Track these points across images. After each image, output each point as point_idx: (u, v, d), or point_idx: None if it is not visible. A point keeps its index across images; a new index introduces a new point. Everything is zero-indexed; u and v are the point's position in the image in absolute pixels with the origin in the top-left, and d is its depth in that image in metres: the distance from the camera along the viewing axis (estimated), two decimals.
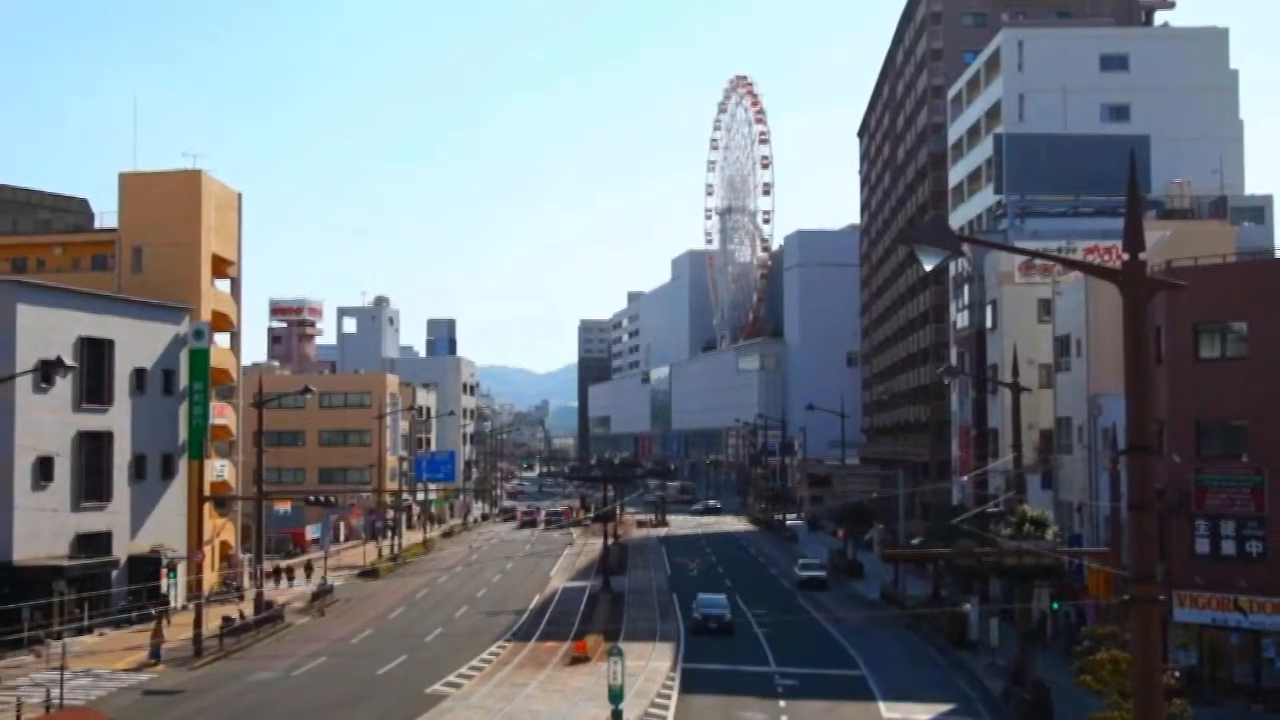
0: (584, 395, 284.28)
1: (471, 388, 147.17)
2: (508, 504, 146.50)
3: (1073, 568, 43.78)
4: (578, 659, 44.13)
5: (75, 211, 77.27)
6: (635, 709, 34.98)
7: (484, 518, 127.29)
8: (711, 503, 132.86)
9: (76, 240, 66.10)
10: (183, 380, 59.05)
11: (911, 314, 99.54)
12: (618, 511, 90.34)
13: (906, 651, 47.68)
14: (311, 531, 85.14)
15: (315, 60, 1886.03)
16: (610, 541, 69.40)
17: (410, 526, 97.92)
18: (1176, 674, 27.48)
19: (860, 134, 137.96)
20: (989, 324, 62.34)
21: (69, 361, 40.01)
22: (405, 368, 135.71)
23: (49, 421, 49.54)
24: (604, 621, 52.58)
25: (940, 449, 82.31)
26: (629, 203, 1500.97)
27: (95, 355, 52.42)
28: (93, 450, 52.30)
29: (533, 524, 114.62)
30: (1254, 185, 76.10)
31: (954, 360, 71.61)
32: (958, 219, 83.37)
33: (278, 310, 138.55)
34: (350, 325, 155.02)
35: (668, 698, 38.18)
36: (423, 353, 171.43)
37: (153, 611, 50.47)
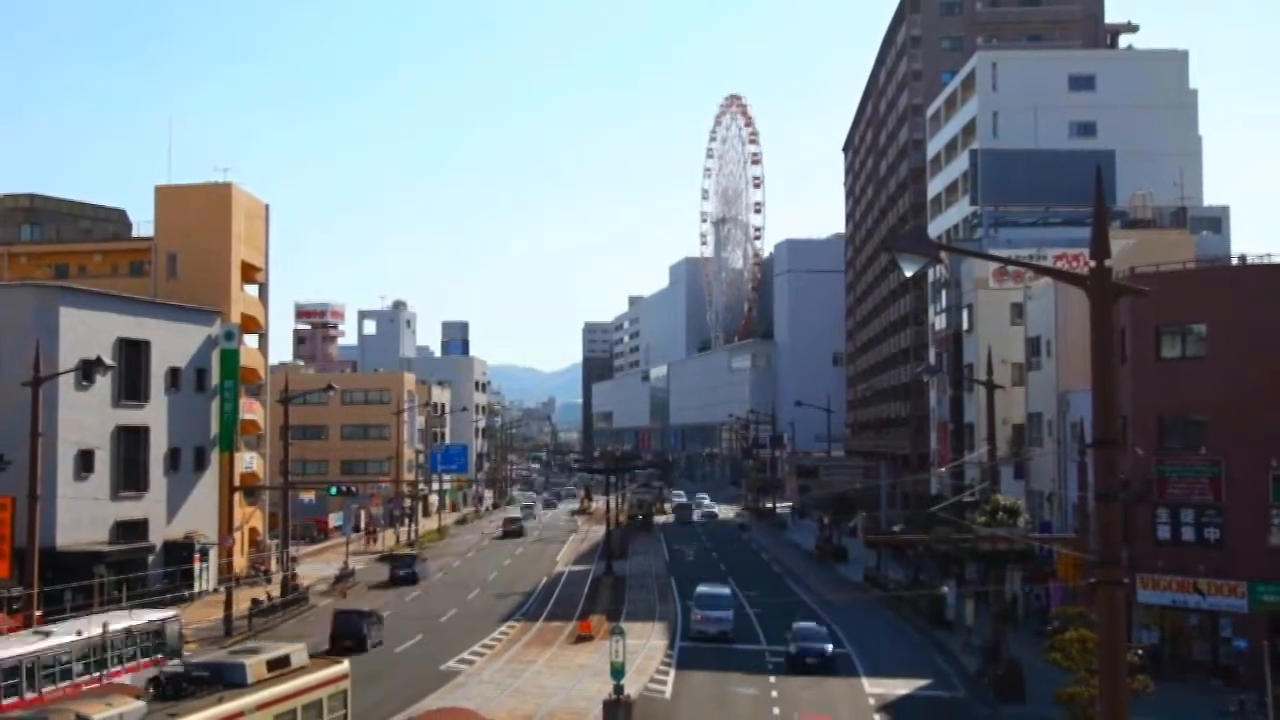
0: (588, 392, 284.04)
1: (483, 385, 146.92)
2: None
3: (1043, 553, 43.74)
4: (582, 638, 44.12)
5: (114, 221, 77.20)
6: (636, 684, 34.96)
7: (494, 506, 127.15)
8: (705, 504, 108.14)
9: (115, 248, 66.10)
10: (214, 378, 59.01)
11: (893, 317, 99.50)
12: (620, 500, 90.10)
13: (888, 631, 47.65)
14: (334, 519, 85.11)
15: (340, 77, 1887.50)
16: (613, 528, 69.37)
17: (426, 514, 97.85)
18: (1139, 652, 27.41)
19: (846, 149, 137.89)
20: (965, 326, 62.31)
21: (108, 361, 40.12)
22: (421, 367, 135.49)
23: (90, 417, 49.50)
24: (607, 603, 52.51)
25: (919, 442, 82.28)
26: (630, 213, 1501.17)
27: (133, 355, 52.36)
28: (130, 443, 52.28)
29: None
30: (1212, 197, 75.98)
31: (932, 360, 71.60)
32: (936, 228, 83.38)
33: (303, 313, 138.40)
34: (370, 327, 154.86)
35: (666, 674, 38.19)
36: (438, 353, 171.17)
37: (185, 594, 50.42)
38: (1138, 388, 37.48)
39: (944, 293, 68.38)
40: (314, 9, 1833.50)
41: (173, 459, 55.25)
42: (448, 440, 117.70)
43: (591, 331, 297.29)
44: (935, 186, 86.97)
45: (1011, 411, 53.64)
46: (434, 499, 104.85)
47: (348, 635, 42.34)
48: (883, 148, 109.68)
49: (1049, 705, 27.67)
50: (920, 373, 73.13)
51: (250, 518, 64.77)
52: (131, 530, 51.56)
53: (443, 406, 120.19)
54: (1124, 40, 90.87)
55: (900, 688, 36.72)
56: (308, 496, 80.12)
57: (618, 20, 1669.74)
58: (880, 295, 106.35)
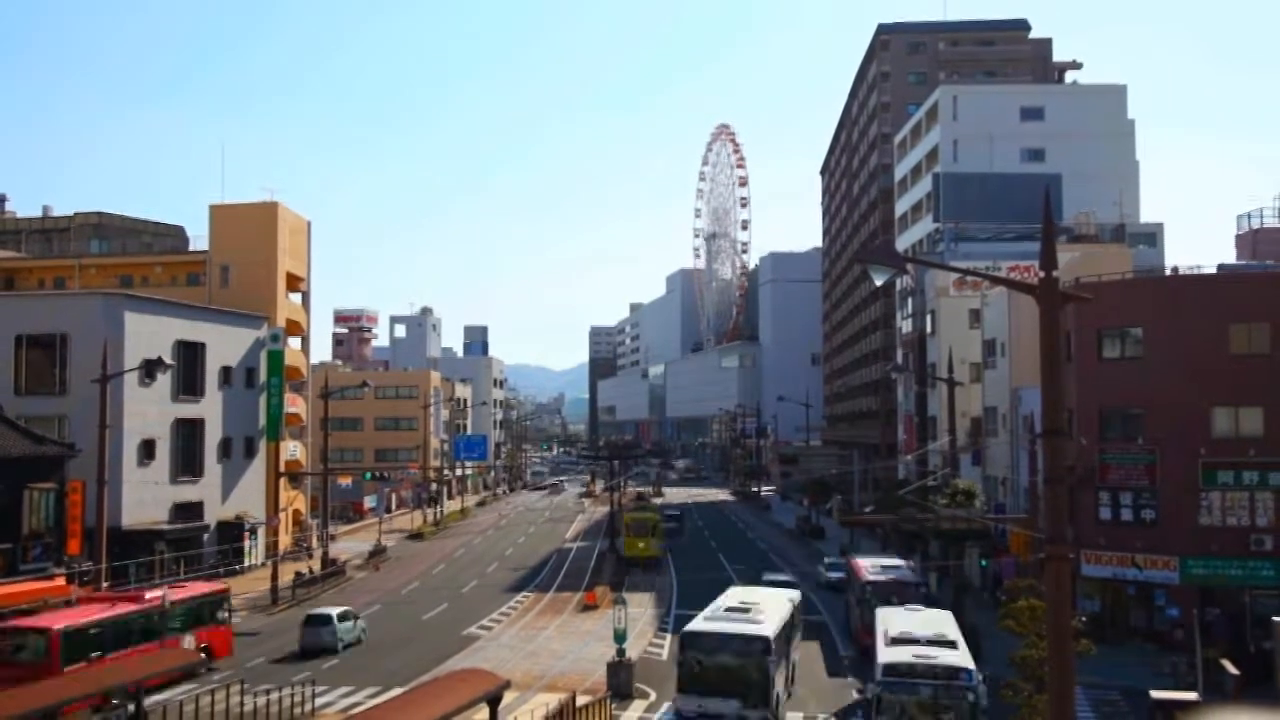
0: (594, 389, 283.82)
1: (500, 383, 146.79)
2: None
3: (998, 531, 43.81)
4: (588, 607, 44.12)
5: (173, 236, 77.21)
6: (636, 648, 35.00)
7: (511, 489, 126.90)
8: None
9: (174, 260, 66.07)
10: (262, 376, 58.99)
11: (864, 321, 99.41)
12: (622, 484, 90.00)
13: None
14: (368, 501, 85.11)
15: (372, 109, 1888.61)
16: (616, 509, 69.28)
17: (450, 497, 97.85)
18: (1083, 619, 27.41)
19: (823, 172, 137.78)
20: (929, 330, 62.32)
21: (168, 360, 40.06)
22: (446, 366, 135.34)
23: (151, 410, 49.54)
24: (610, 576, 52.50)
25: (888, 433, 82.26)
26: (630, 229, 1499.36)
27: (189, 355, 52.39)
28: (187, 434, 52.29)
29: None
30: (1148, 215, 75.93)
31: (900, 360, 71.61)
32: (903, 243, 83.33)
33: (340, 318, 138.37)
34: (400, 331, 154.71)
35: (662, 638, 38.17)
36: (461, 353, 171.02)
37: (236, 568, 50.33)
38: (1082, 384, 37.48)
39: (910, 300, 68.39)
40: (350, 53, 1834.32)
41: (225, 448, 55.27)
42: (469, 431, 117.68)
43: (597, 334, 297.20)
44: (902, 206, 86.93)
45: (970, 405, 53.66)
46: (456, 483, 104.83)
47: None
48: (855, 171, 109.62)
49: (1003, 667, 27.60)
50: (889, 371, 73.13)
51: (294, 500, 64.78)
52: (188, 511, 51.60)
53: (465, 401, 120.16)
54: (1070, 76, 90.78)
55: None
56: (345, 481, 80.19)
57: (621, 56, 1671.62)
58: (853, 302, 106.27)
